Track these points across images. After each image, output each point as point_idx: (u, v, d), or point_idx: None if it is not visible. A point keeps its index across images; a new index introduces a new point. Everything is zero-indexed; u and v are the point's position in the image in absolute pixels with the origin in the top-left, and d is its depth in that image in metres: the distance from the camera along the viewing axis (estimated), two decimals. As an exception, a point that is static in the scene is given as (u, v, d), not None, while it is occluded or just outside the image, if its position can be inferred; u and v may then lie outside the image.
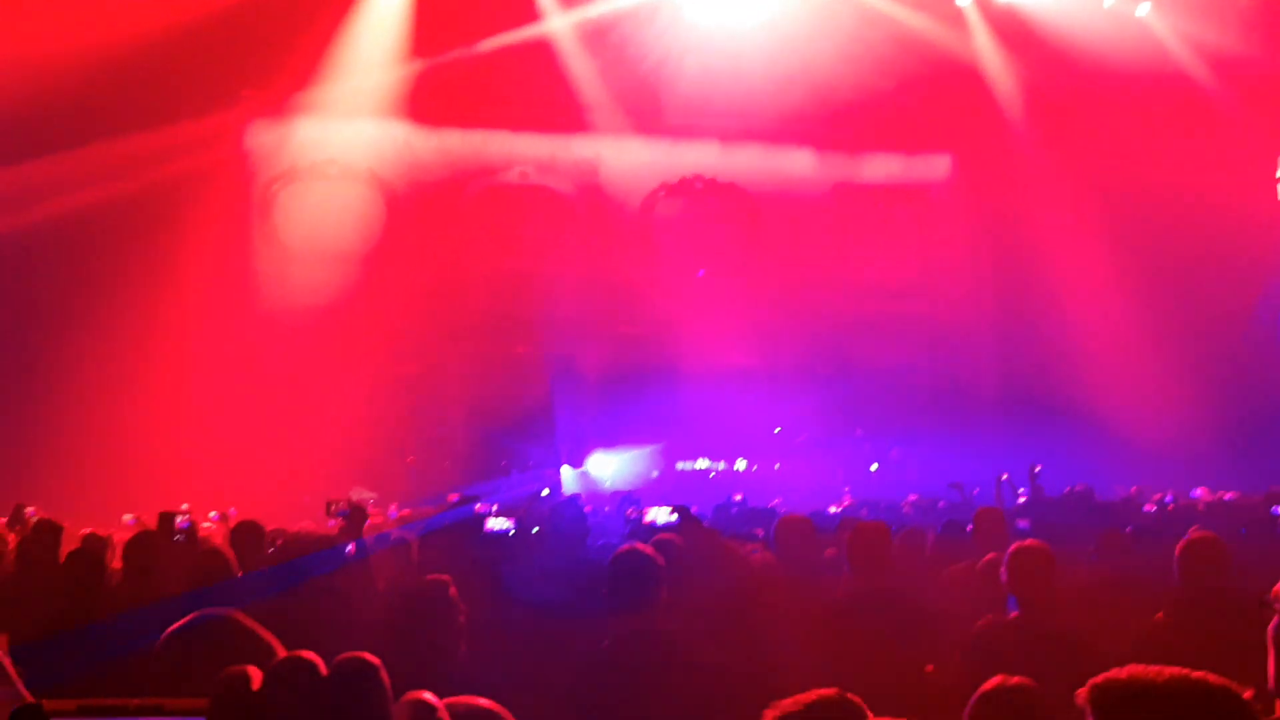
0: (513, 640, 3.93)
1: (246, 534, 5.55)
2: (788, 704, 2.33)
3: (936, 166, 16.36)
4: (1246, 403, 14.01)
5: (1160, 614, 4.31)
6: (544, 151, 15.26)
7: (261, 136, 14.33)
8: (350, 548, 5.03)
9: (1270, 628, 2.62)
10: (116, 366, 12.29)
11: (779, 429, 14.11)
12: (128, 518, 8.61)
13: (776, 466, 13.03)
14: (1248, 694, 1.96)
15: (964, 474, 10.13)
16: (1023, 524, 6.26)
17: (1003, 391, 14.56)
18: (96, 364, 12.21)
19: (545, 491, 9.34)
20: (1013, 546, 4.32)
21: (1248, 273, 14.81)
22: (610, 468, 13.52)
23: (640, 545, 4.15)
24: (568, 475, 12.70)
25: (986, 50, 14.47)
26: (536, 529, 6.08)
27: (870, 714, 2.36)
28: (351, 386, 13.47)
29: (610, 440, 13.61)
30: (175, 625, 3.44)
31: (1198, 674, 1.91)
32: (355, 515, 5.53)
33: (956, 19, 14.22)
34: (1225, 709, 1.88)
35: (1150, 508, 7.69)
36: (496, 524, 5.33)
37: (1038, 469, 9.29)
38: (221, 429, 12.83)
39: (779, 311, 15.02)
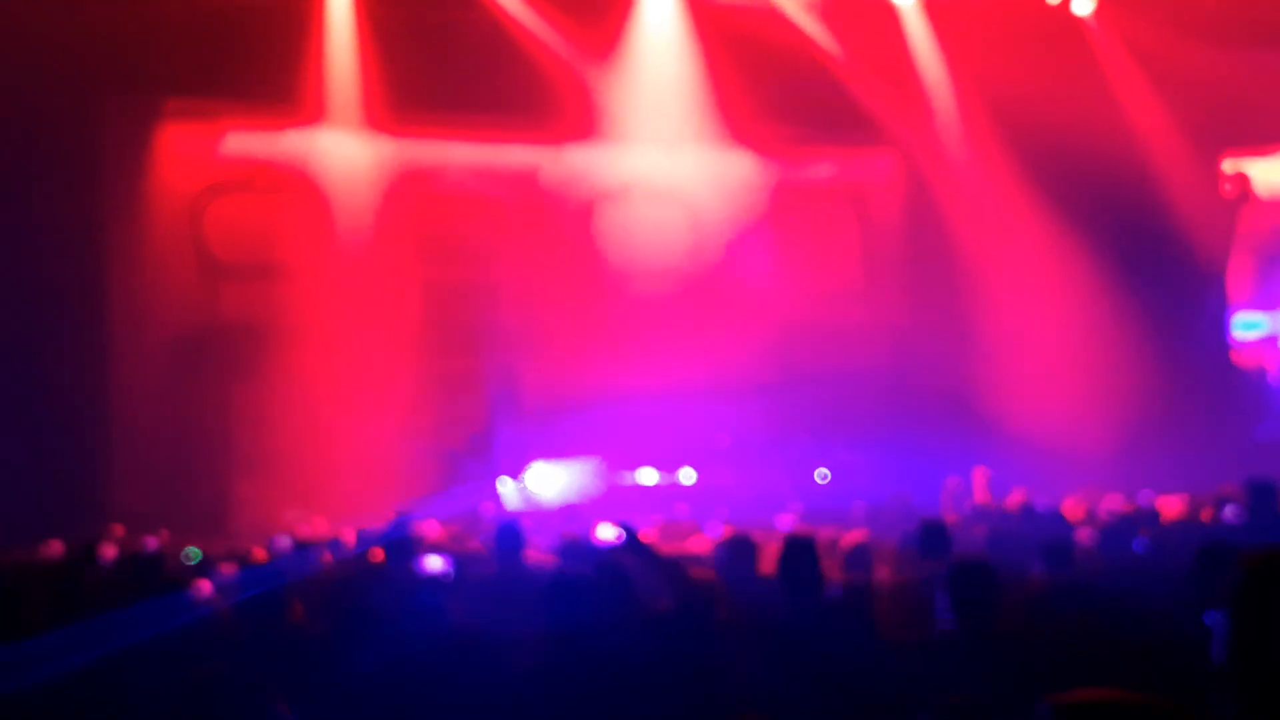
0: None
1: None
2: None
3: (876, 167, 16.34)
4: (1191, 402, 14.17)
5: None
6: (482, 158, 15.07)
7: (190, 147, 14.01)
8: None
9: None
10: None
11: (726, 438, 14.00)
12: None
13: (719, 477, 12.94)
14: None
15: (911, 480, 10.07)
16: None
17: (945, 397, 14.58)
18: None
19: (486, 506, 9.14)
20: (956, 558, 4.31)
21: (1192, 271, 15.01)
22: (551, 481, 13.34)
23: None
24: (507, 489, 12.51)
25: (922, 45, 14.58)
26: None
27: None
28: (282, 399, 13.22)
29: (550, 453, 13.45)
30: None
31: (1154, 697, 1.93)
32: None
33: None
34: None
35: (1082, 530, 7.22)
36: (433, 564, 4.95)
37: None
38: (154, 443, 12.60)
39: (723, 319, 14.92)
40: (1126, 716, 1.91)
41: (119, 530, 7.92)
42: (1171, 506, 7.90)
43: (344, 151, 14.38)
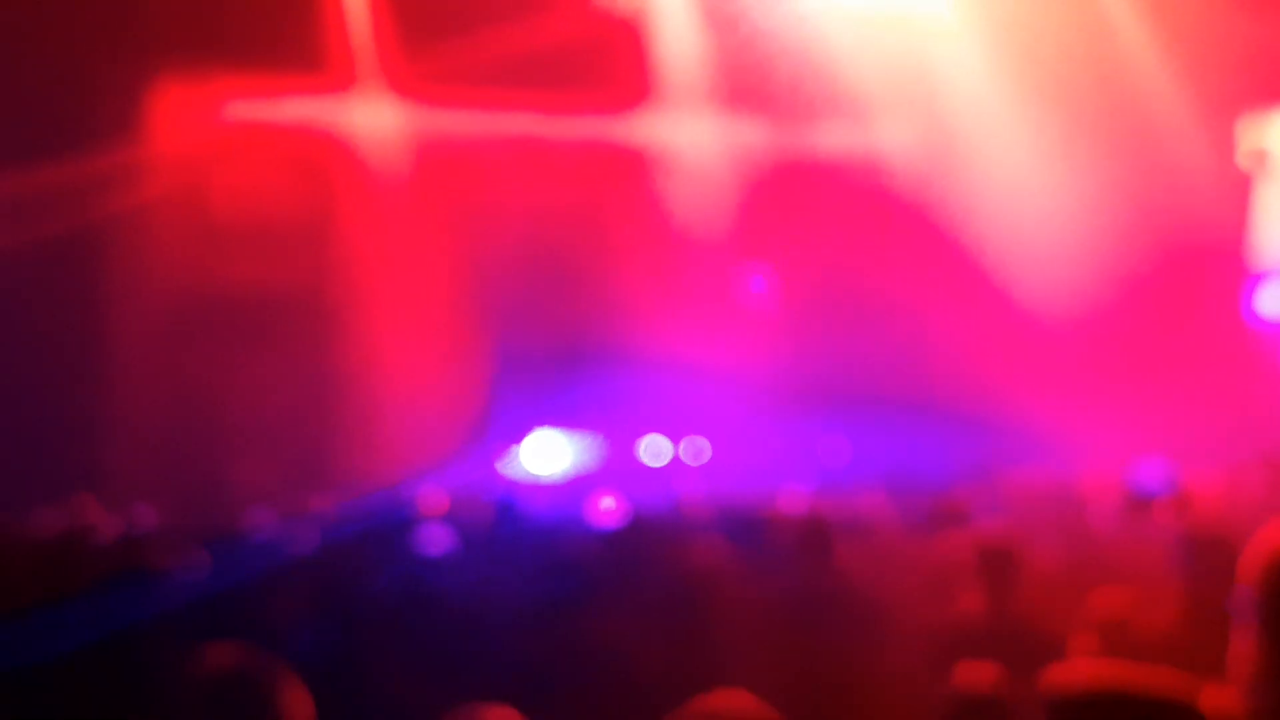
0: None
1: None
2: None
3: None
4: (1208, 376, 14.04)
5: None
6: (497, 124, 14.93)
7: (189, 111, 13.91)
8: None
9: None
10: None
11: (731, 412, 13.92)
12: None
13: (725, 452, 12.92)
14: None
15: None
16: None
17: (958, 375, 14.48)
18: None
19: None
20: (982, 537, 4.28)
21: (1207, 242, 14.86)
22: (551, 454, 13.33)
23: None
24: (508, 462, 12.51)
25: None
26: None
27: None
28: (285, 368, 13.18)
29: (551, 424, 13.43)
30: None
31: (1154, 676, 1.94)
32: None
33: None
34: (1181, 713, 1.89)
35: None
36: (432, 539, 4.77)
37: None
38: (151, 414, 12.57)
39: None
40: (1132, 702, 1.90)
41: (109, 504, 7.82)
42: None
43: (352, 117, 14.33)
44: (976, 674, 3.07)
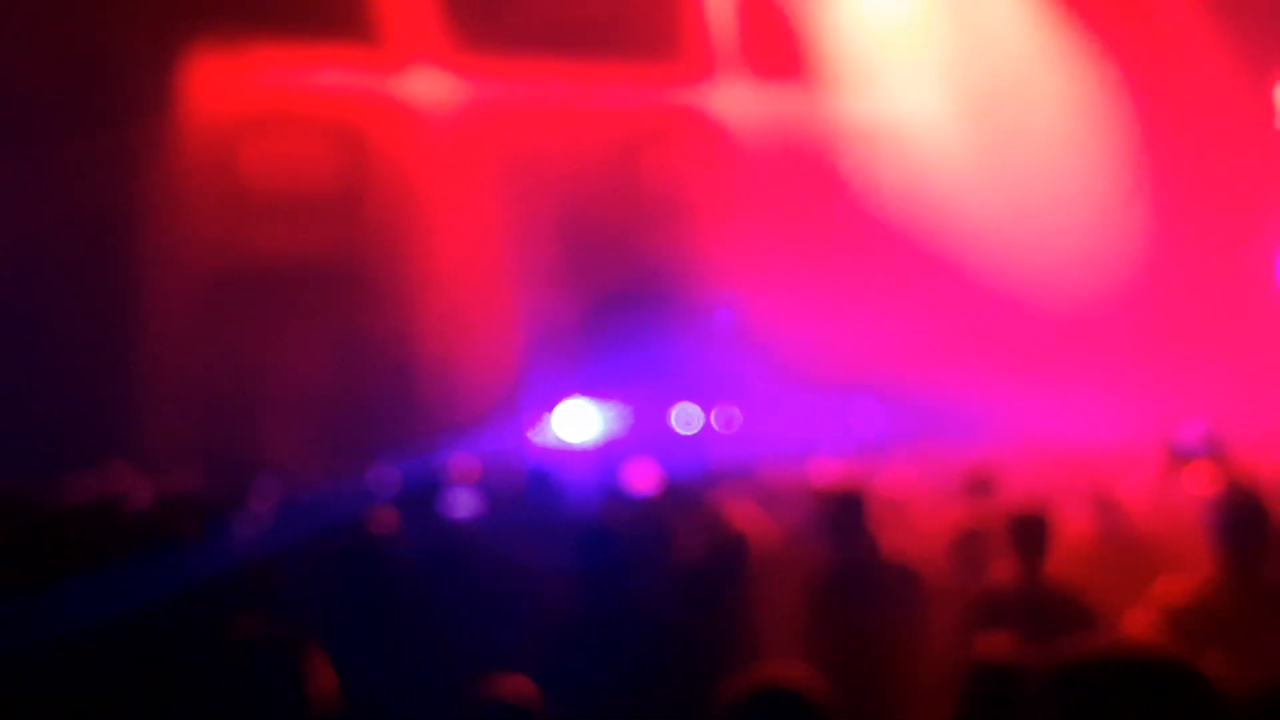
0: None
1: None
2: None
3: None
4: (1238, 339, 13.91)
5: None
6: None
7: (223, 80, 13.94)
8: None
9: None
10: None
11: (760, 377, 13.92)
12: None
13: (758, 421, 12.93)
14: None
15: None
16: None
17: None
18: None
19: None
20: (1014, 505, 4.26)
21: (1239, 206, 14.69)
22: (583, 422, 13.34)
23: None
24: (540, 430, 12.53)
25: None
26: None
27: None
28: (310, 340, 13.27)
29: (582, 392, 13.44)
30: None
31: (1163, 649, 1.96)
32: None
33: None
34: (1189, 686, 1.88)
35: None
36: (463, 500, 4.78)
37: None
38: (186, 382, 12.70)
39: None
40: (1134, 668, 1.90)
41: (143, 470, 7.89)
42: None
43: (399, 86, 14.36)
44: (994, 643, 3.08)
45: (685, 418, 13.52)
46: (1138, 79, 13.64)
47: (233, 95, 13.86)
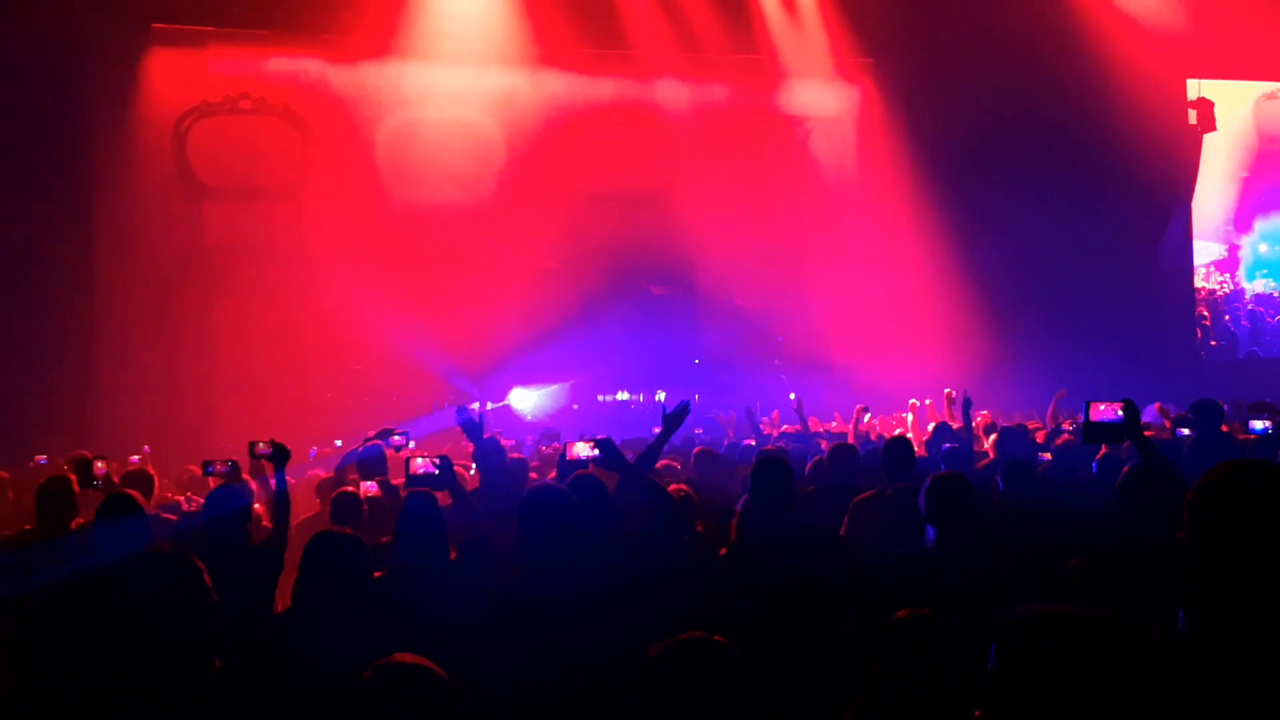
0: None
1: (136, 481, 5.50)
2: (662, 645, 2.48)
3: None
4: (1152, 324, 14.34)
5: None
6: (459, 84, 14.99)
7: (172, 69, 13.90)
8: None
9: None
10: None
11: (697, 361, 14.17)
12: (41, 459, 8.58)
13: (696, 398, 13.14)
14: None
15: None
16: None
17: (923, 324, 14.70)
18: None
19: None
20: (932, 475, 4.40)
21: (1156, 197, 15.09)
22: (530, 402, 13.50)
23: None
24: (491, 410, 12.68)
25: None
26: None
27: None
28: (273, 323, 13.28)
29: (530, 375, 13.58)
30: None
31: (1104, 612, 1.94)
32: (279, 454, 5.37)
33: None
34: (1131, 646, 1.91)
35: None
36: (420, 463, 4.98)
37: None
38: (140, 373, 12.69)
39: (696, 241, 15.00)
40: (1075, 631, 1.90)
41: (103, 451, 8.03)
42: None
43: (327, 77, 14.37)
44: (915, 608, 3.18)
45: (626, 394, 13.79)
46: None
47: (183, 85, 13.86)
